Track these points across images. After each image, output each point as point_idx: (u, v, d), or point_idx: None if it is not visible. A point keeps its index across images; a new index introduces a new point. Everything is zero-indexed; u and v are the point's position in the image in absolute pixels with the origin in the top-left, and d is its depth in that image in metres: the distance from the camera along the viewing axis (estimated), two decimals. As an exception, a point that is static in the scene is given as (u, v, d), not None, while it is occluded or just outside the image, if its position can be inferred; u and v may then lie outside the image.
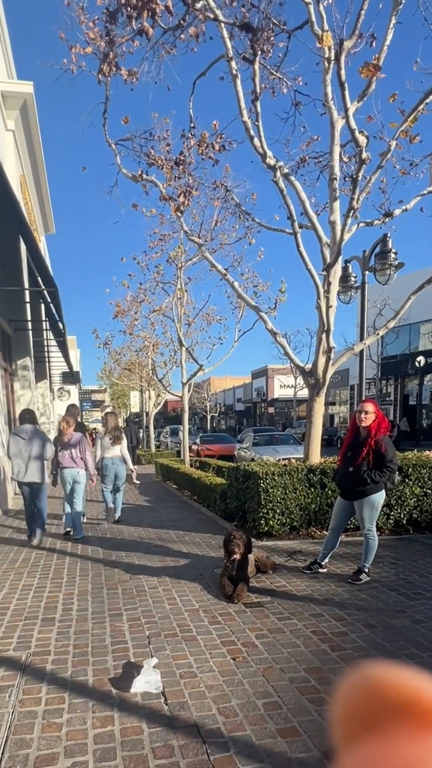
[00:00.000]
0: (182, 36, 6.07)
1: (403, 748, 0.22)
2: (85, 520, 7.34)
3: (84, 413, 36.56)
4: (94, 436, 11.16)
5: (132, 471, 7.87)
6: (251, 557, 4.57)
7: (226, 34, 5.61)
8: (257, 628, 3.64)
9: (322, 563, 4.87)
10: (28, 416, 6.25)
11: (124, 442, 7.54)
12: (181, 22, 5.65)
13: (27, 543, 6.26)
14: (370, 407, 4.48)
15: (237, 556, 4.32)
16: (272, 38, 5.94)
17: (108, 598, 4.36)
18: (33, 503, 6.23)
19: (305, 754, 2.28)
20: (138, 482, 9.95)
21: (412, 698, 0.23)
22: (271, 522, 6.01)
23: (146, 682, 2.84)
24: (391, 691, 0.24)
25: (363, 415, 4.45)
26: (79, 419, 8.15)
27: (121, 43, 5.94)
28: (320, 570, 4.86)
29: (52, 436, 7.45)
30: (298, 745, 2.34)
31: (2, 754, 2.33)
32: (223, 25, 5.53)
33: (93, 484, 7.00)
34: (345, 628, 3.61)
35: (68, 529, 6.69)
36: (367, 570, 4.59)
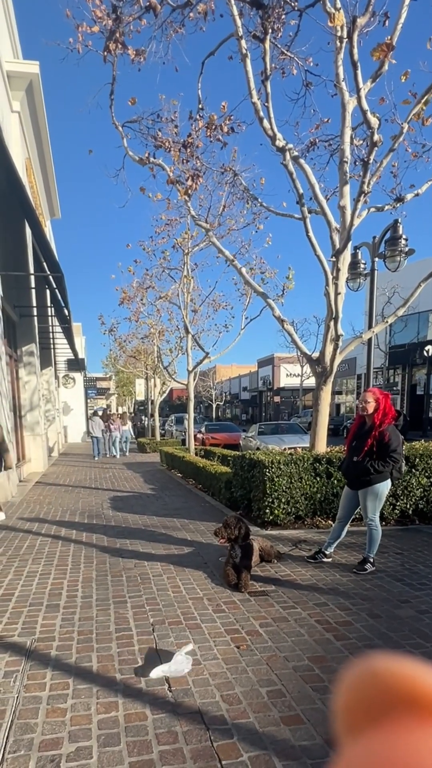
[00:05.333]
0: (191, 14, 5.92)
1: (406, 741, 0.22)
2: (118, 455, 17.38)
3: (89, 401, 37.00)
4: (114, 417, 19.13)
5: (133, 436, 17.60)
6: (256, 545, 4.55)
7: (236, 11, 5.45)
8: (261, 617, 3.63)
9: (327, 552, 4.86)
10: (99, 411, 18.39)
11: (129, 423, 18.09)
12: (190, -1, 5.50)
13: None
14: (369, 397, 4.45)
15: (222, 541, 4.39)
16: (283, 16, 5.77)
17: (112, 585, 4.37)
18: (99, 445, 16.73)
19: (308, 742, 2.27)
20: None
21: (416, 691, 0.23)
22: (276, 511, 5.99)
23: (163, 671, 2.83)
24: (395, 684, 0.24)
25: (363, 404, 4.44)
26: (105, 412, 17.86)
27: (128, 22, 5.80)
28: (325, 559, 4.85)
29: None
30: (301, 732, 2.34)
31: (7, 738, 2.34)
32: (233, 1, 5.37)
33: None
34: (349, 617, 3.59)
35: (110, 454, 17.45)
36: (371, 560, 4.57)
